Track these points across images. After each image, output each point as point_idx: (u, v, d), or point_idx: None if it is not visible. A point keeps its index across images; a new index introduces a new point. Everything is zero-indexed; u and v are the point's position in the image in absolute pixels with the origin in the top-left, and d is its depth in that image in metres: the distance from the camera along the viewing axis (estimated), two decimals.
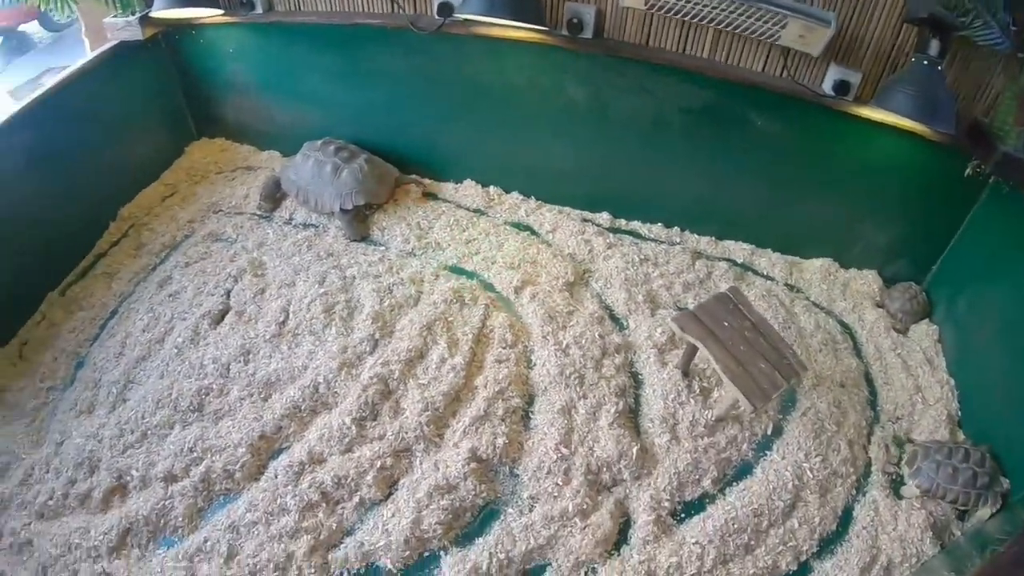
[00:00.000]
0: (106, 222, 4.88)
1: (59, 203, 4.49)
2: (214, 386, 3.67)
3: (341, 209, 4.36)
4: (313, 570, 3.12)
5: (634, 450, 3.36)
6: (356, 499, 3.28)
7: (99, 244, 4.76)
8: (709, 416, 3.50)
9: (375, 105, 4.67)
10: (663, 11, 3.53)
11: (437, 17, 4.03)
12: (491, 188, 4.68)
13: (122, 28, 4.58)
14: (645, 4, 3.54)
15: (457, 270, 4.18)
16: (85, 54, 4.71)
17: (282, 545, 3.18)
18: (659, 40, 3.88)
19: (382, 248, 4.33)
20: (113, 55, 4.64)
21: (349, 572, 3.13)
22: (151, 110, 5.10)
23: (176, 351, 3.87)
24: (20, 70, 6.64)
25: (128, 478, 3.51)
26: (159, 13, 4.44)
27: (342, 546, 3.19)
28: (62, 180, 4.48)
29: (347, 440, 3.41)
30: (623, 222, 4.59)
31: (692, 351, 3.57)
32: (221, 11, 4.59)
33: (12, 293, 4.29)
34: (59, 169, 4.45)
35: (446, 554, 3.15)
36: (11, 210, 4.21)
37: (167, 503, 3.39)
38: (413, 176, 4.72)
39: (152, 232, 4.73)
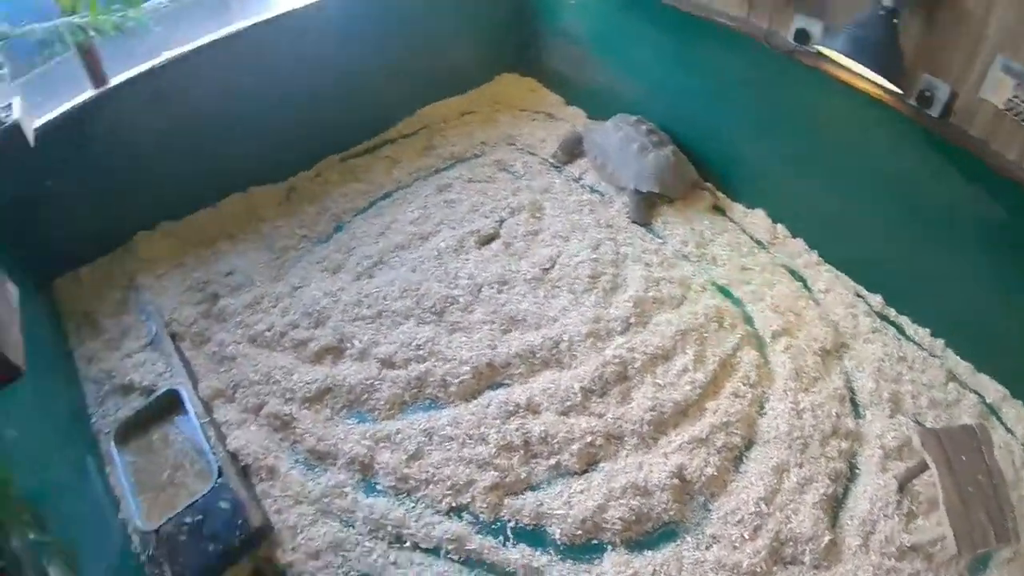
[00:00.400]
0: (402, 114, 5.04)
1: (364, 80, 4.69)
2: (461, 300, 3.69)
3: (635, 189, 4.27)
4: (485, 506, 3.09)
5: (825, 539, 3.09)
6: (553, 461, 3.20)
7: (390, 131, 4.90)
8: (906, 540, 3.17)
9: (694, 101, 4.52)
10: (1019, 117, 3.23)
11: (791, 41, 3.83)
12: (779, 226, 4.45)
13: None
14: (1003, 103, 3.25)
15: (725, 291, 4.00)
16: None
17: (467, 470, 3.17)
18: (1003, 144, 3.55)
19: (660, 241, 4.20)
20: None
21: (517, 524, 3.08)
22: (477, 29, 5.21)
23: (436, 254, 3.91)
24: None
25: (348, 345, 3.59)
26: None
27: (521, 497, 3.13)
28: (374, 62, 4.66)
29: (568, 404, 3.32)
30: (893, 312, 4.24)
31: (919, 469, 3.25)
32: None
33: (294, 142, 4.56)
34: (374, 52, 4.65)
35: (613, 550, 3.02)
36: (319, 71, 4.47)
37: (376, 383, 3.46)
38: (709, 184, 4.56)
39: (444, 139, 4.81)
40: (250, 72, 4.33)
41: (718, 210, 4.52)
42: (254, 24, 4.18)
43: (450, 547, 3.00)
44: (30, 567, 1.99)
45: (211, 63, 4.22)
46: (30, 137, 3.48)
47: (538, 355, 3.47)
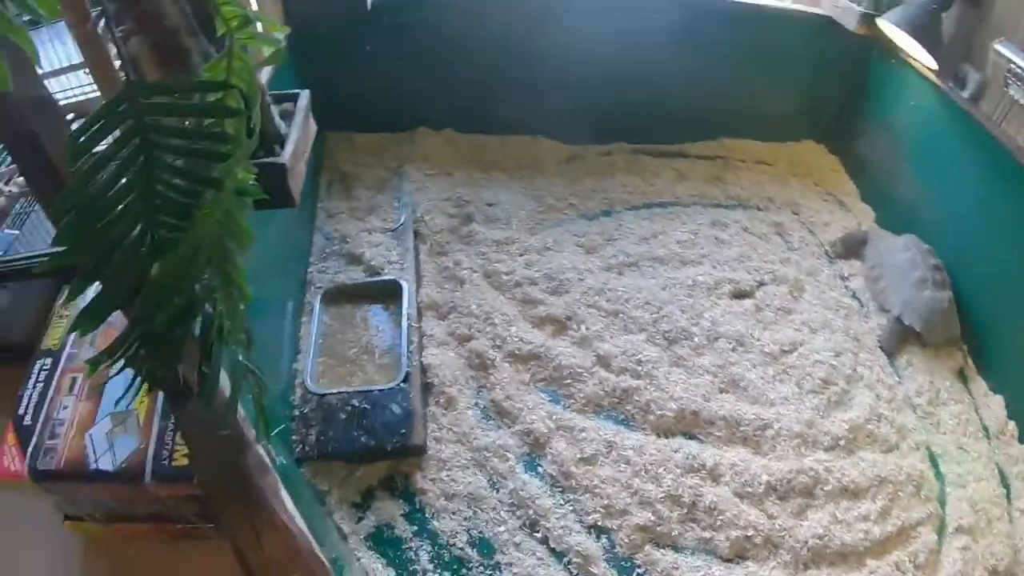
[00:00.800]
0: (703, 135, 5.05)
1: (686, 89, 4.74)
2: (696, 339, 3.65)
3: (897, 317, 4.08)
4: (627, 541, 3.05)
5: None
6: (707, 535, 3.13)
7: (687, 145, 4.87)
8: None
9: (990, 256, 4.16)
10: None
11: None
12: (1012, 423, 4.15)
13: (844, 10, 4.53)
14: None
15: (934, 461, 3.79)
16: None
17: (628, 500, 3.14)
18: None
19: (897, 379, 4.01)
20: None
21: (645, 573, 3.02)
22: (807, 88, 5.08)
23: (690, 283, 3.88)
24: None
25: (574, 327, 3.62)
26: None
27: (662, 552, 3.07)
28: (702, 75, 4.70)
29: (748, 490, 3.24)
30: None
31: None
32: (935, 68, 4.31)
33: (595, 114, 4.76)
34: (707, 66, 4.66)
35: None
36: (647, 60, 4.54)
37: (584, 375, 3.48)
38: (964, 348, 4.32)
39: (736, 177, 4.75)
40: (587, 31, 4.42)
41: (961, 376, 4.29)
42: None
43: (576, 560, 3.00)
44: (225, 384, 2.08)
45: (557, 7, 4.30)
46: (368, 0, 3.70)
47: (742, 428, 3.40)
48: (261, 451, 2.34)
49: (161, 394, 2.96)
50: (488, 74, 4.60)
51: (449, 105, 4.77)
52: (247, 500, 2.24)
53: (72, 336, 3.50)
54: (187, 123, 1.78)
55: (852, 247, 4.53)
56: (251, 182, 2.17)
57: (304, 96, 2.71)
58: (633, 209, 4.36)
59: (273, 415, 2.93)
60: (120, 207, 1.60)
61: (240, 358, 2.17)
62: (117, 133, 1.60)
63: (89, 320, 1.71)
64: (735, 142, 5.04)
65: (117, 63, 2.27)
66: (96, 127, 1.53)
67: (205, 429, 2.27)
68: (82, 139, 1.52)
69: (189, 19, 1.85)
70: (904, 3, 4.16)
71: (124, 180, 1.60)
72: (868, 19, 4.41)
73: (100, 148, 1.60)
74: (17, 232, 4.13)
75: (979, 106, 4.10)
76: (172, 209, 1.67)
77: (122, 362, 1.88)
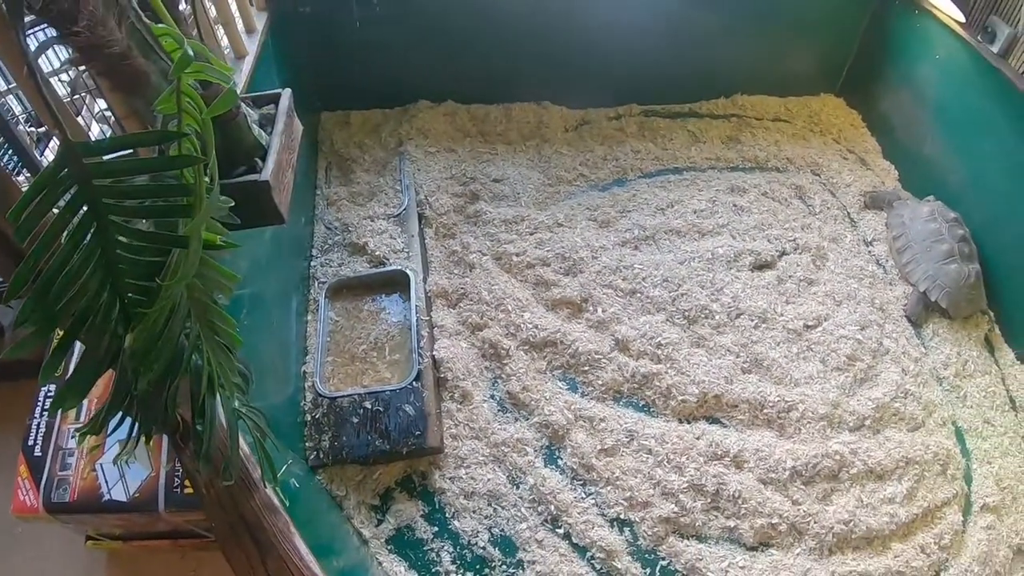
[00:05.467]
0: (716, 92, 4.85)
1: (694, 42, 4.57)
2: (717, 317, 3.52)
3: (923, 292, 3.92)
4: (650, 533, 2.98)
5: None
6: (732, 523, 3.04)
7: (700, 103, 4.68)
8: None
9: (1013, 215, 4.06)
10: None
11: None
12: None
13: None
14: None
15: (960, 436, 3.68)
16: None
17: (651, 491, 3.06)
18: None
19: (923, 350, 3.87)
20: None
21: (669, 565, 2.95)
22: (825, 39, 4.90)
23: (709, 257, 3.73)
24: None
25: (590, 309, 3.52)
26: None
27: (685, 542, 3.00)
28: (711, 26, 4.53)
29: (772, 476, 3.15)
30: None
31: None
32: (962, 20, 4.08)
33: (602, 75, 4.66)
34: (718, 16, 4.47)
35: None
36: (651, 12, 4.35)
37: (603, 361, 3.37)
38: (991, 314, 4.16)
39: (752, 137, 4.56)
40: None
41: (988, 344, 4.14)
42: None
43: (599, 555, 2.93)
44: (224, 433, 1.97)
45: None
46: None
47: (766, 411, 3.29)
48: (270, 492, 2.23)
49: None
50: (488, 39, 4.39)
51: (448, 75, 4.57)
52: (257, 544, 2.13)
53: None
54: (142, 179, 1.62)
55: (879, 203, 4.36)
56: (220, 239, 2.00)
57: (286, 96, 2.49)
58: (647, 177, 4.20)
59: (283, 429, 2.81)
60: (82, 280, 1.49)
61: (236, 405, 2.06)
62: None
63: (72, 394, 1.64)
64: (750, 99, 4.85)
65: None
66: (39, 199, 1.39)
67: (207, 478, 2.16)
68: (26, 214, 1.39)
69: (144, 38, 1.68)
70: None
71: (80, 251, 1.48)
72: None
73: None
74: None
75: (1009, 62, 3.88)
76: (139, 272, 1.58)
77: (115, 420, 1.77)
